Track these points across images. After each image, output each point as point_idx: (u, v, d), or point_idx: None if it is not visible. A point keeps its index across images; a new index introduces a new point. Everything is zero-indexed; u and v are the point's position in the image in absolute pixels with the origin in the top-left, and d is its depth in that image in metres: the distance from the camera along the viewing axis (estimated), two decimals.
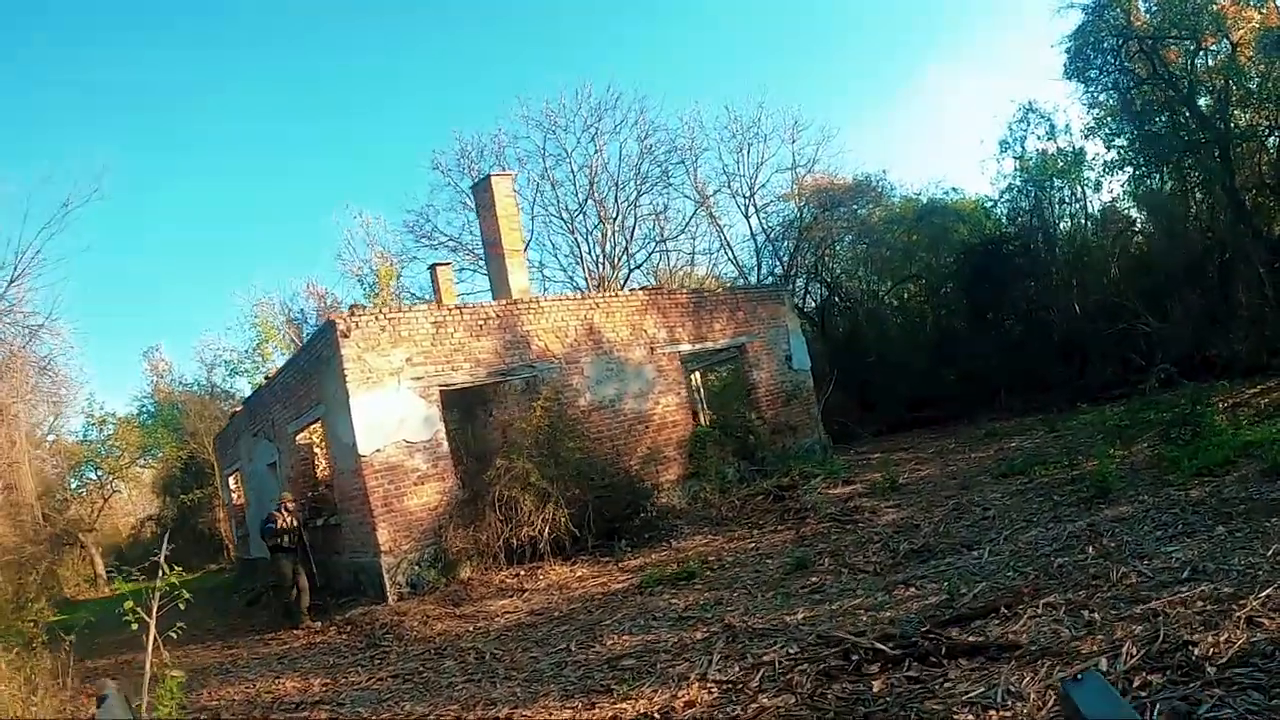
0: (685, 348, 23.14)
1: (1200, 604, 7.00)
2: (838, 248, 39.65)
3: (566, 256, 43.60)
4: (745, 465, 22.85)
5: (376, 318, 17.54)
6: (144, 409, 54.39)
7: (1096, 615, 7.31)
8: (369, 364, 17.00)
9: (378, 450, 16.88)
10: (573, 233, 40.80)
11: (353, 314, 17.53)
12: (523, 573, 16.22)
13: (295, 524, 17.83)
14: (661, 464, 21.27)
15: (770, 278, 36.97)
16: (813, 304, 39.81)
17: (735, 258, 41.07)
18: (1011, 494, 14.94)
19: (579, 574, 15.69)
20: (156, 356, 56.91)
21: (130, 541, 51.93)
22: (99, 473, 51.85)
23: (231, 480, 31.52)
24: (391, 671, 11.27)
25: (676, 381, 22.69)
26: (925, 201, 38.82)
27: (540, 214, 41.48)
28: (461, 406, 21.89)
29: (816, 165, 39.00)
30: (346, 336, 16.87)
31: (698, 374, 29.50)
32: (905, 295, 40.63)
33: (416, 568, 16.79)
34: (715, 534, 17.17)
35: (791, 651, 8.23)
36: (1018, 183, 34.27)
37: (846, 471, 21.60)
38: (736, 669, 8.10)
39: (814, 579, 11.83)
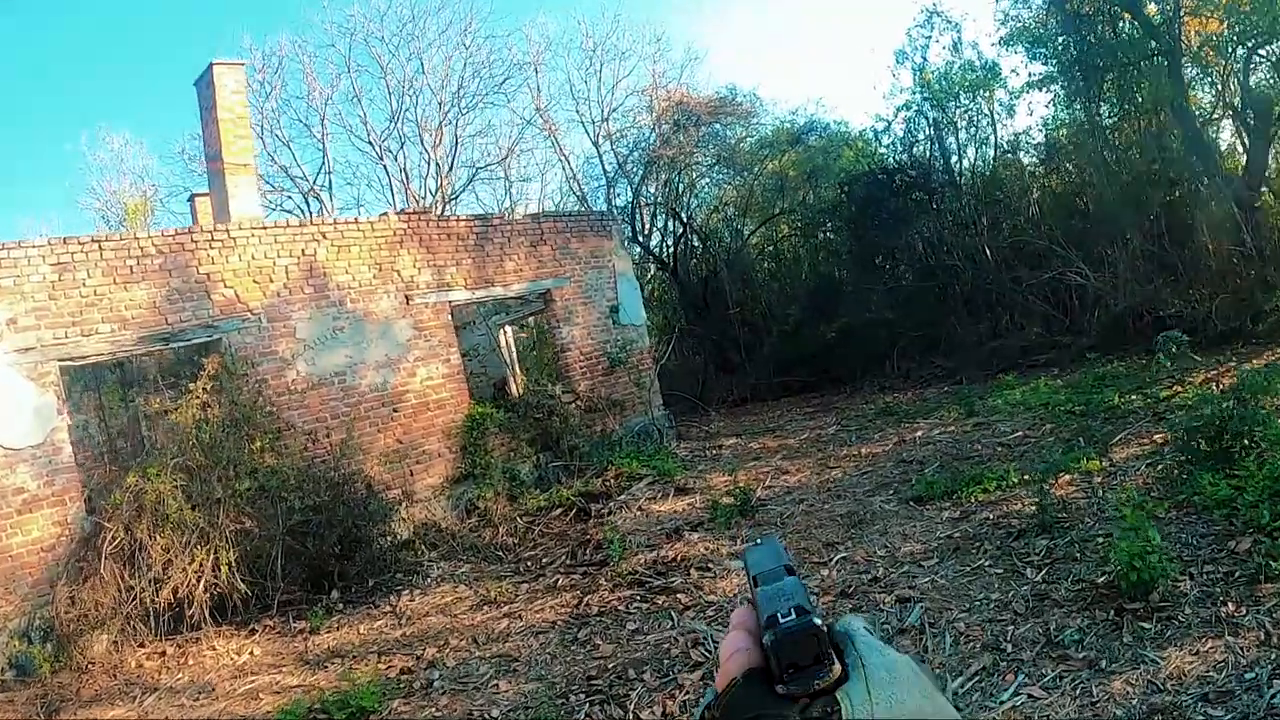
0: (460, 295, 17.21)
1: None
2: (697, 178, 34.11)
3: (374, 187, 37.49)
4: (547, 459, 17.27)
5: None
6: None
7: None
8: None
9: None
10: (381, 160, 35.54)
11: None
12: (170, 650, 11.46)
13: None
14: (418, 462, 15.72)
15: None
16: (668, 246, 34.30)
17: (583, 193, 34.98)
18: (941, 549, 9.14)
19: (246, 656, 10.95)
20: None
21: None
22: None
23: None
24: None
25: (445, 343, 16.79)
26: (803, 122, 32.69)
27: (345, 137, 38.09)
28: (117, 388, 16.62)
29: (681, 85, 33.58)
30: None
31: (508, 330, 23.16)
32: (777, 236, 34.87)
33: (24, 642, 11.39)
34: (470, 584, 12.05)
35: None
36: (917, 100, 28.82)
37: (685, 470, 16.32)
38: None
39: None
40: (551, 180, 45.51)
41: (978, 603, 7.35)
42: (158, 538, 11.54)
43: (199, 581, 11.55)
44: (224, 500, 12.20)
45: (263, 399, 13.93)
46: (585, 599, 10.09)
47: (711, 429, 21.97)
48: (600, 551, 11.82)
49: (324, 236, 15.50)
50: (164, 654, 11.44)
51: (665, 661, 7.59)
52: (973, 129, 28.89)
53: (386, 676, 9.06)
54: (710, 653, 7.51)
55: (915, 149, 28.98)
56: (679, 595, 9.24)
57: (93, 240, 13.19)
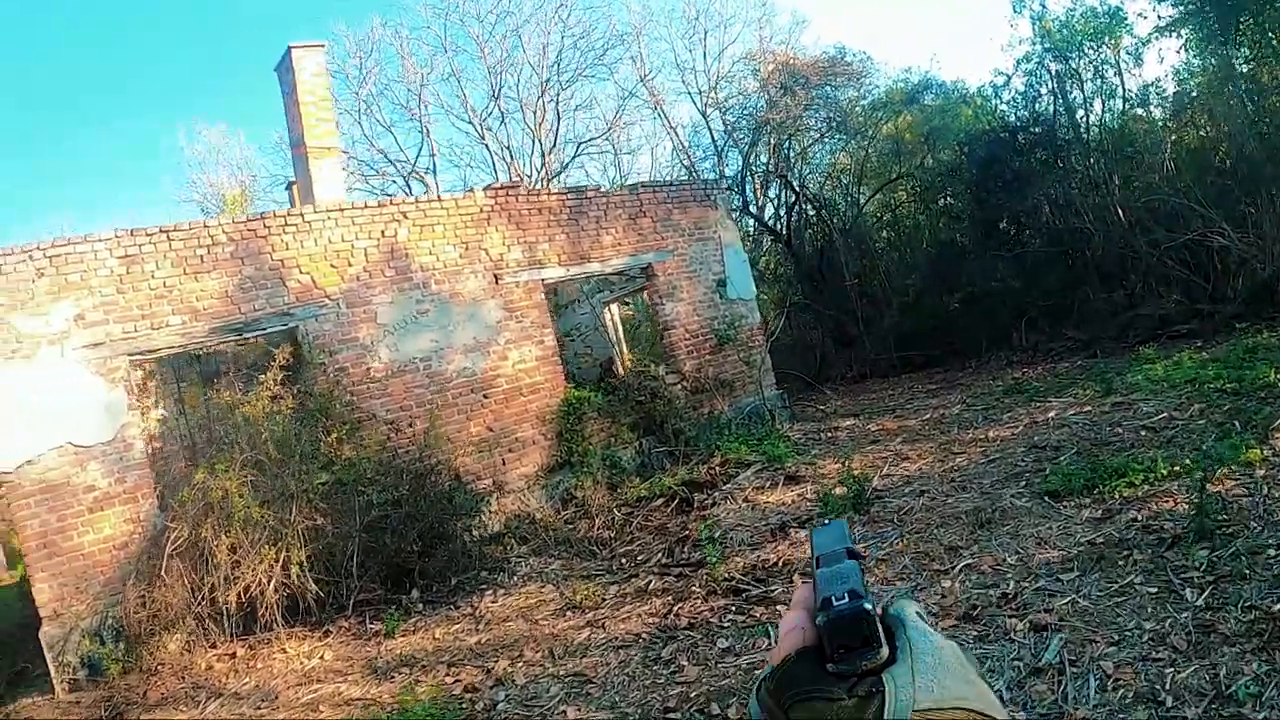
0: (553, 272, 16.26)
1: None
2: (809, 145, 32.37)
3: (478, 167, 36.76)
4: (651, 444, 16.20)
5: (32, 256, 11.90)
6: None
7: None
8: (16, 329, 11.69)
9: (30, 462, 11.50)
10: (483, 139, 35.05)
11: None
12: (241, 652, 11.06)
13: None
14: (511, 451, 14.99)
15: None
16: (780, 216, 32.95)
17: (691, 164, 34.17)
18: (1082, 559, 7.71)
19: (316, 661, 10.42)
20: None
21: None
22: None
23: None
24: None
25: (538, 324, 15.81)
26: (916, 81, 31.16)
27: (446, 119, 36.50)
28: (199, 379, 15.64)
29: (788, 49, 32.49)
30: None
31: (613, 308, 22.17)
32: (894, 202, 32.88)
33: (95, 641, 11.21)
34: (557, 584, 11.28)
35: None
36: (1038, 51, 26.52)
37: (797, 455, 14.95)
38: None
39: None
40: (660, 153, 44.52)
41: (1128, 633, 6.08)
42: (223, 536, 11.01)
43: (269, 581, 11.01)
44: (296, 496, 11.52)
45: (341, 388, 13.36)
46: (676, 607, 9.12)
47: (828, 408, 20.64)
48: (699, 549, 10.79)
49: (405, 216, 14.77)
50: (234, 655, 11.07)
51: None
52: (1098, 80, 26.56)
53: (450, 694, 8.34)
54: None
55: (1037, 104, 26.85)
56: (779, 607, 8.16)
57: (160, 230, 12.78)
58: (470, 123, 34.86)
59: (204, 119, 73.12)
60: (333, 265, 13.80)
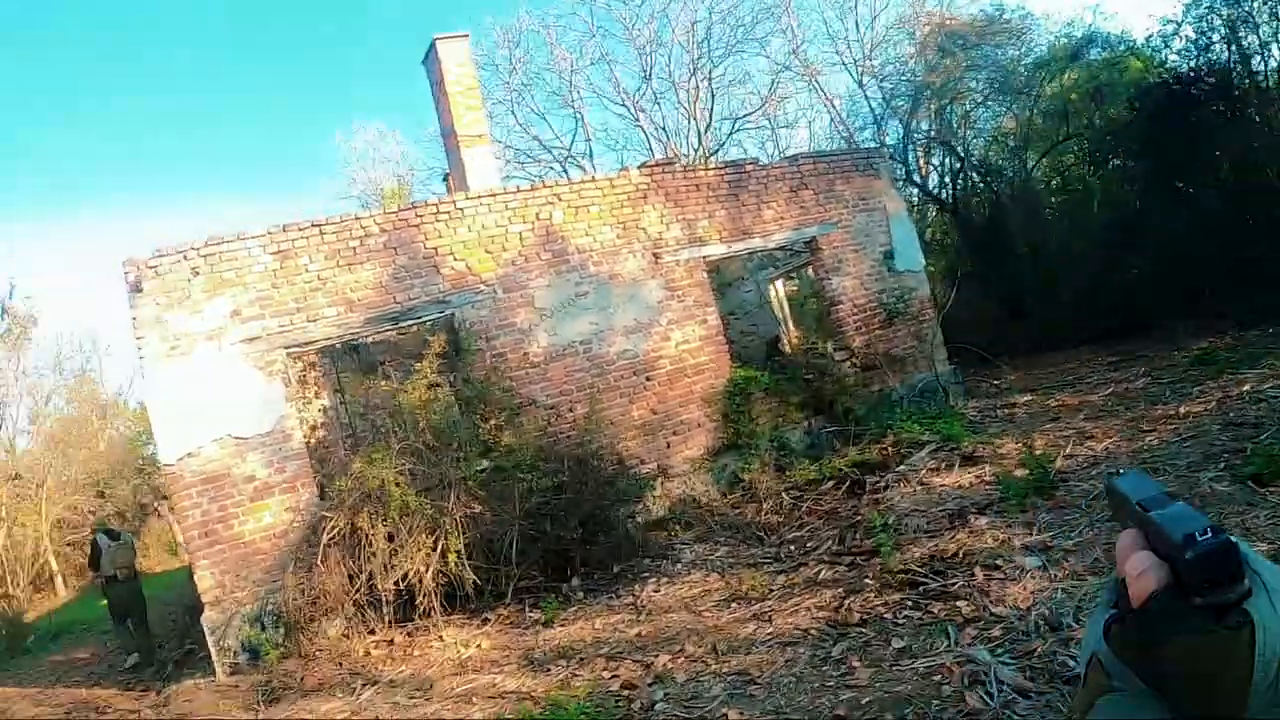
0: (715, 249, 15.78)
1: None
2: (972, 108, 31.18)
3: (634, 149, 36.49)
4: (820, 424, 15.65)
5: (186, 256, 12.24)
6: None
7: None
8: (173, 327, 12.06)
9: (190, 454, 11.85)
10: (637, 121, 34.73)
11: (156, 257, 12.26)
12: (399, 639, 11.24)
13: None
14: (675, 434, 14.75)
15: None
16: (946, 185, 32.08)
17: (850, 134, 32.97)
18: None
19: (474, 650, 10.34)
20: None
21: None
22: None
23: None
24: None
25: (701, 303, 15.39)
26: (1080, 35, 29.47)
27: (598, 103, 36.62)
28: (359, 370, 16.29)
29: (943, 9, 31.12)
30: (139, 291, 12.00)
31: (778, 284, 21.62)
32: (1063, 165, 31.62)
33: (256, 627, 11.61)
34: (723, 572, 10.90)
35: None
36: None
37: (973, 434, 14.16)
38: None
39: None
40: (818, 126, 43.76)
41: None
42: (379, 525, 11.13)
43: (427, 569, 11.09)
44: (454, 484, 11.54)
45: (499, 374, 13.25)
46: (847, 600, 8.58)
47: (1002, 383, 19.74)
48: (872, 536, 10.21)
49: (559, 198, 14.55)
50: (392, 642, 11.18)
51: (934, 703, 5.98)
52: (1275, 22, 24.61)
53: (606, 690, 8.06)
54: (992, 697, 5.87)
55: (1210, 52, 25.13)
56: (959, 603, 7.57)
57: (312, 225, 13.02)
58: (624, 105, 34.66)
59: (361, 119, 73.94)
60: (487, 251, 13.70)
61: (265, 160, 78.24)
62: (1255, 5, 24.14)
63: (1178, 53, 26.30)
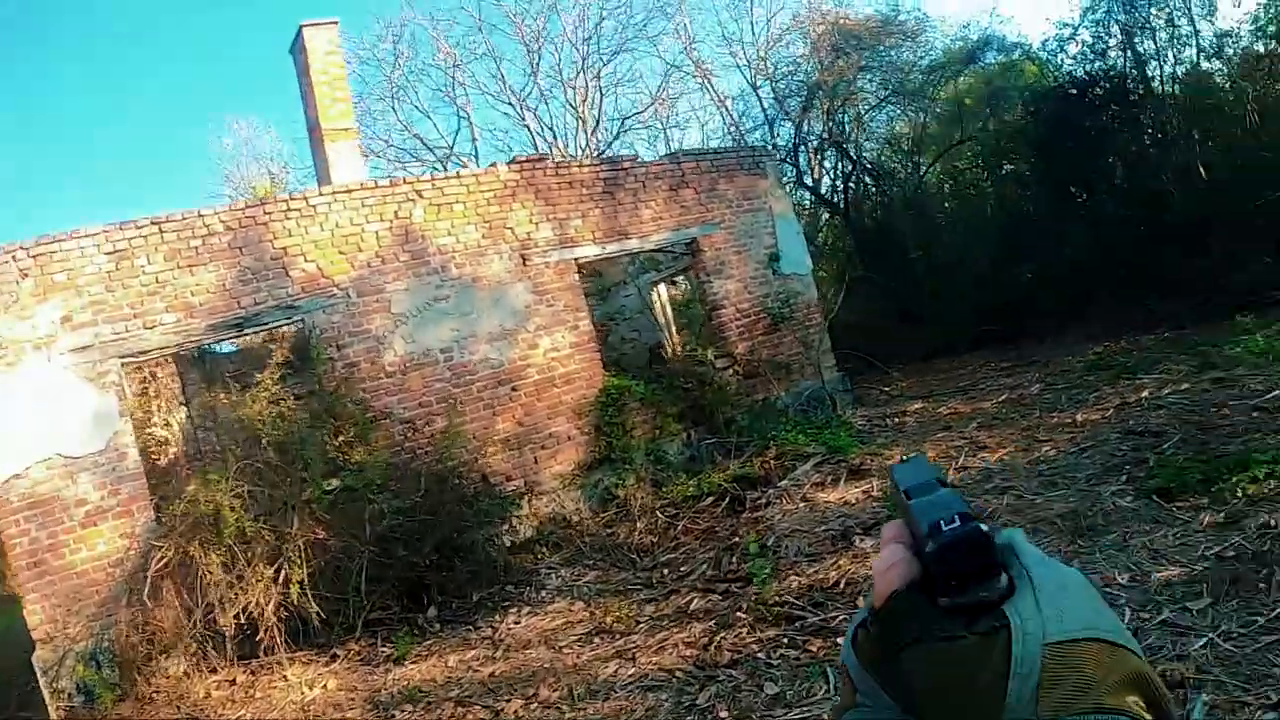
0: (588, 250, 14.99)
1: None
2: (866, 112, 31.05)
3: (522, 150, 35.79)
4: (700, 436, 14.94)
5: (15, 256, 11.18)
6: None
7: None
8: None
9: (17, 476, 10.82)
10: (523, 120, 34.02)
11: None
12: (241, 678, 10.30)
13: None
14: (544, 448, 13.83)
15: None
16: (836, 187, 31.93)
17: (742, 136, 32.24)
18: (1210, 579, 6.29)
19: (319, 690, 9.55)
20: None
21: None
22: None
23: None
24: None
25: (571, 308, 14.58)
26: (976, 38, 29.48)
27: (483, 100, 36.60)
28: (209, 381, 15.17)
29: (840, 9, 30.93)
30: None
31: (661, 288, 20.92)
32: (957, 170, 31.68)
33: (90, 666, 10.50)
34: (589, 601, 10.20)
35: None
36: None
37: (860, 446, 13.53)
38: None
39: None
40: (711, 127, 43.54)
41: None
42: (212, 554, 10.22)
43: (269, 602, 10.14)
44: (298, 507, 10.63)
45: (350, 385, 12.38)
46: (718, 635, 7.78)
47: (893, 390, 19.42)
48: (750, 558, 9.57)
49: (420, 195, 13.70)
50: (234, 682, 10.32)
51: None
52: (1170, 30, 24.83)
53: None
54: None
55: (1106, 58, 25.37)
56: (839, 639, 6.70)
57: (151, 222, 11.99)
58: (510, 104, 33.95)
59: (235, 115, 72.34)
60: (341, 252, 12.81)
61: (135, 159, 76.00)
62: (1151, 12, 24.28)
63: (1073, 58, 26.48)
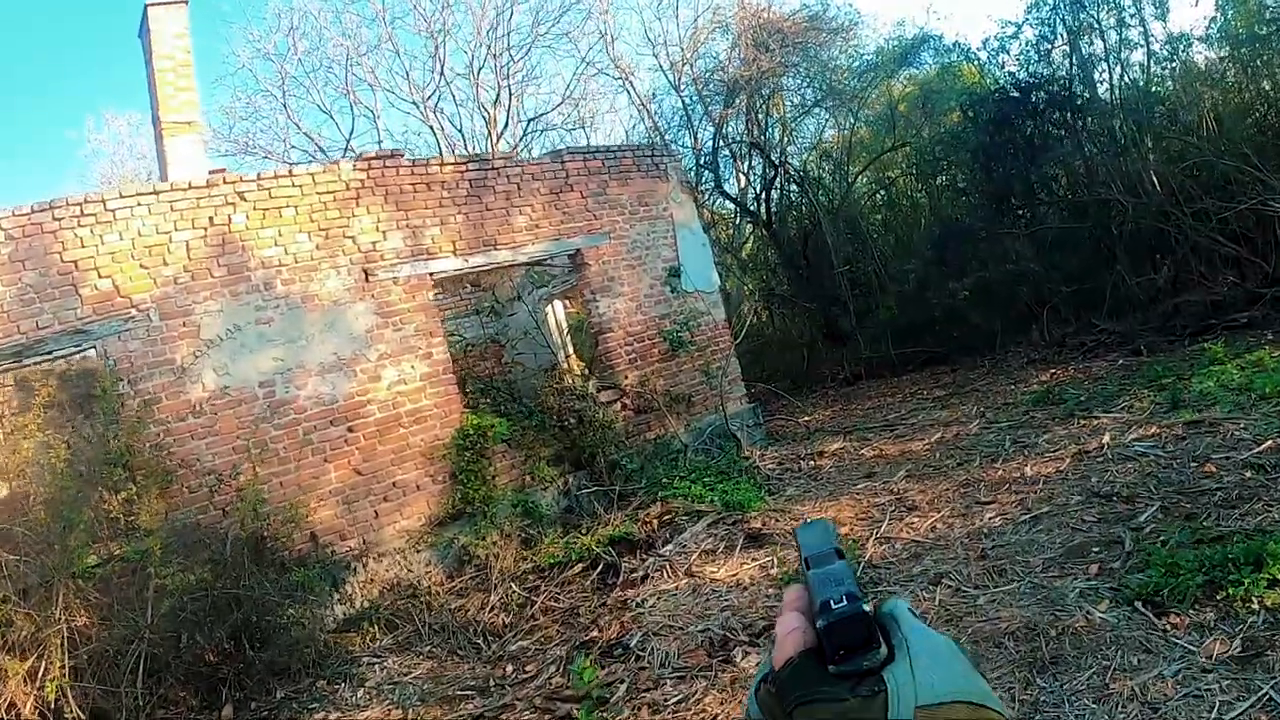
0: (447, 264, 12.88)
1: None
2: (792, 116, 29.44)
3: (426, 152, 33.72)
4: (580, 482, 12.92)
5: None
6: None
7: None
8: None
9: None
10: (427, 121, 32.13)
11: None
12: None
13: None
14: (387, 500, 11.66)
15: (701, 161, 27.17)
16: (760, 196, 29.75)
17: (665, 141, 30.02)
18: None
19: None
20: None
21: None
22: None
23: None
24: None
25: (424, 332, 12.45)
26: (912, 37, 28.20)
27: (386, 99, 35.26)
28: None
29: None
30: None
31: (557, 306, 19.00)
32: (888, 179, 30.13)
33: None
34: (413, 707, 8.20)
35: None
36: None
37: (766, 497, 11.66)
38: None
39: None
40: (635, 132, 41.95)
41: None
42: None
43: (25, 702, 8.13)
44: (62, 583, 8.58)
45: (144, 426, 10.20)
46: None
47: (813, 420, 17.44)
48: (614, 656, 7.73)
49: (242, 198, 11.51)
50: None
51: None
52: (1121, 30, 23.53)
53: None
54: None
55: (1051, 59, 24.00)
56: None
57: None
58: (414, 103, 32.03)
59: (113, 110, 69.68)
60: (143, 265, 10.68)
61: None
62: (1100, 14, 23.13)
63: (1016, 58, 25.28)
